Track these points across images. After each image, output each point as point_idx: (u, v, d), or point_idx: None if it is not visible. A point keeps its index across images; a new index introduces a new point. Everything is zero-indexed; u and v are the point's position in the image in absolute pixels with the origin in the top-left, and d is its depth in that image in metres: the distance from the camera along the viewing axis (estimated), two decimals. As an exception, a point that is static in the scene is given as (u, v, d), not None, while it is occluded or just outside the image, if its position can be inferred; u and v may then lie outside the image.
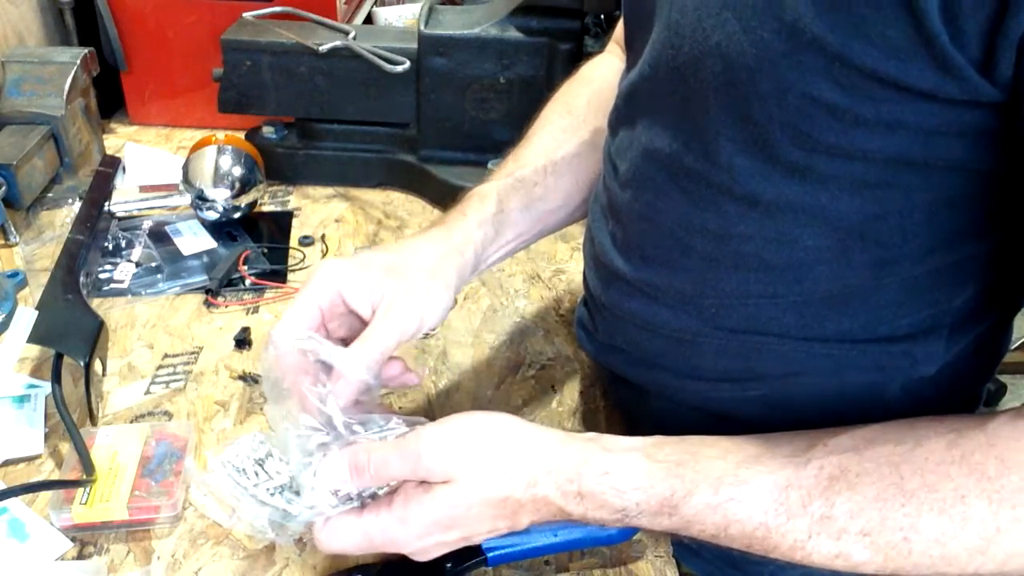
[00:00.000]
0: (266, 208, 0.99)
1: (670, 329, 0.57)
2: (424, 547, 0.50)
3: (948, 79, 0.40)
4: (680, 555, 0.70)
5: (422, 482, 0.50)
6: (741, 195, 0.49)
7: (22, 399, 0.69)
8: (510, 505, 0.49)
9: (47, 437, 0.66)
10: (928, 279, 0.50)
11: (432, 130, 1.00)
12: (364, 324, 0.55)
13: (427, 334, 0.80)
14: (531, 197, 0.66)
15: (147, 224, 0.93)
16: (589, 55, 0.94)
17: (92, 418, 0.67)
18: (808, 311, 0.52)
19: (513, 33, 0.94)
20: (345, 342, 0.55)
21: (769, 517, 0.46)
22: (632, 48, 0.59)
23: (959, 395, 0.58)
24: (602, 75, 0.72)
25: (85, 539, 0.59)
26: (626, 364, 0.63)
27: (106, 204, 0.93)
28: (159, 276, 0.85)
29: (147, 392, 0.72)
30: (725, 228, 0.51)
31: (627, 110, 0.58)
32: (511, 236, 0.65)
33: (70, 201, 0.95)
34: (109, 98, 1.15)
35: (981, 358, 0.57)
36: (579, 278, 0.89)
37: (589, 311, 0.67)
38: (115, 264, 0.87)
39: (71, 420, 0.62)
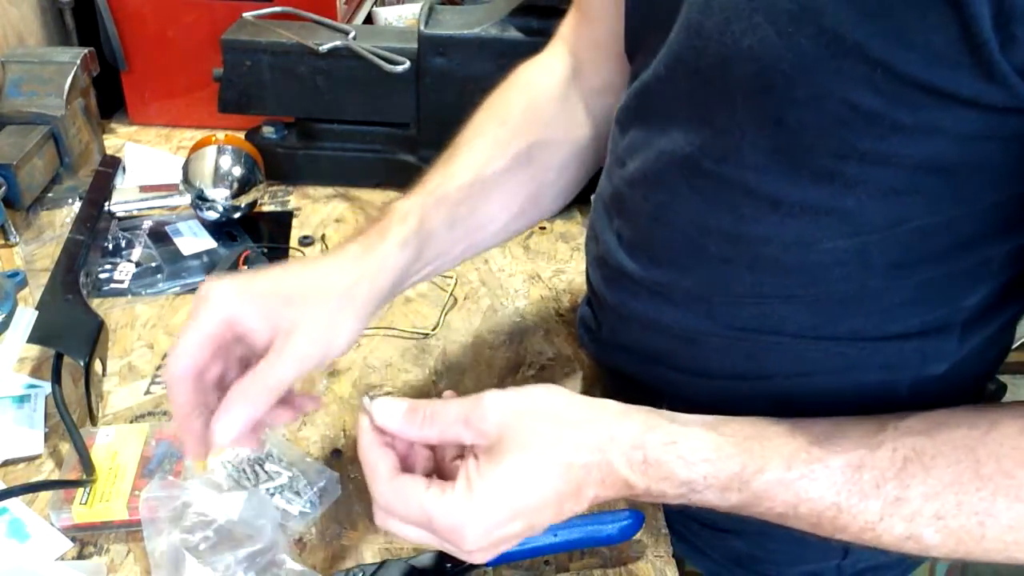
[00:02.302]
0: (266, 208, 0.99)
1: (678, 328, 0.56)
2: (486, 541, 0.46)
3: (992, 87, 0.39)
4: (686, 554, 0.70)
5: (479, 457, 0.46)
6: (762, 197, 0.49)
7: (22, 399, 0.69)
8: (578, 475, 0.46)
9: (47, 437, 0.66)
10: (944, 279, 0.50)
11: (432, 130, 0.99)
12: (258, 357, 0.49)
13: (427, 334, 0.80)
14: (455, 216, 0.60)
15: (147, 224, 0.93)
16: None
17: (92, 418, 0.67)
18: (821, 310, 0.51)
19: (513, 33, 0.94)
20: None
21: (842, 497, 0.45)
22: (640, 49, 0.58)
23: (965, 392, 0.58)
24: (541, 82, 0.68)
25: (85, 539, 0.59)
26: (631, 363, 0.63)
27: (106, 204, 0.93)
28: (159, 276, 0.85)
29: (147, 392, 0.72)
30: (741, 230, 0.51)
31: (639, 109, 0.57)
32: (432, 256, 0.59)
33: (70, 201, 0.95)
34: (109, 98, 1.15)
35: (989, 354, 0.57)
36: (579, 278, 0.89)
37: (592, 310, 0.67)
38: (115, 264, 0.87)
39: (71, 420, 0.63)
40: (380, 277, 0.54)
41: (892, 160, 0.44)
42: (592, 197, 0.67)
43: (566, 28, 0.70)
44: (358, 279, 0.52)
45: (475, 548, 0.45)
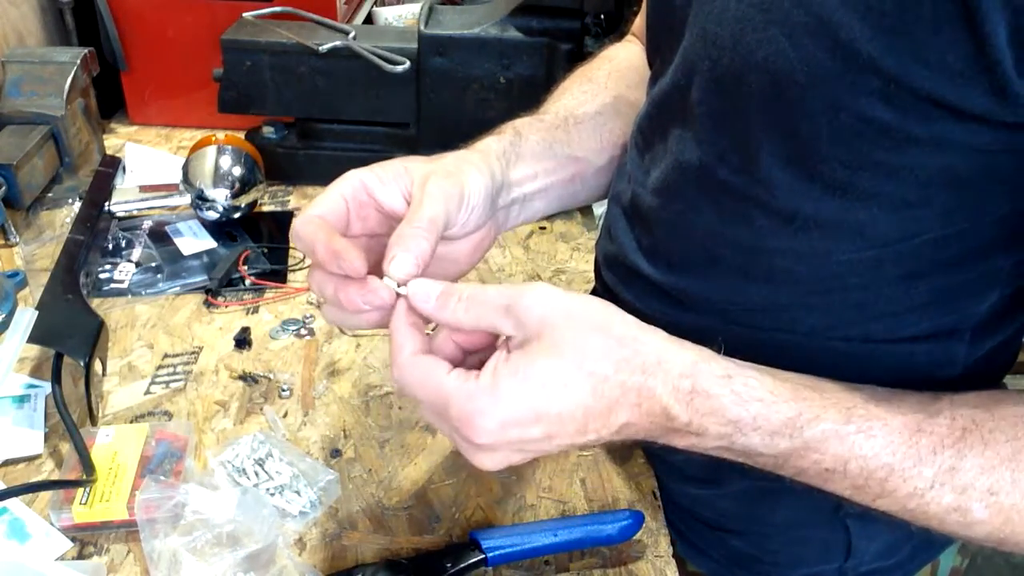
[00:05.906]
0: (266, 208, 0.99)
1: (692, 328, 0.56)
2: (500, 438, 0.43)
3: (1003, 104, 0.39)
4: (687, 554, 0.69)
5: (511, 352, 0.44)
6: (777, 210, 0.49)
7: (22, 399, 0.69)
8: (612, 393, 0.43)
9: (47, 437, 0.66)
10: (954, 287, 0.50)
11: (432, 130, 0.99)
12: (396, 221, 0.49)
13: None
14: (553, 137, 0.61)
15: (147, 224, 0.93)
16: (589, 55, 0.94)
17: (92, 418, 0.67)
18: (834, 314, 0.52)
19: (513, 33, 0.94)
20: (379, 241, 0.52)
21: (897, 458, 0.44)
22: (659, 53, 0.58)
23: None
24: (623, 55, 0.71)
25: (85, 539, 0.59)
26: None
27: (106, 204, 0.93)
28: (159, 276, 0.85)
29: (147, 392, 0.72)
30: (757, 242, 0.51)
31: (659, 119, 0.57)
32: (538, 168, 0.59)
33: (70, 201, 0.95)
34: (109, 98, 1.15)
35: (999, 361, 0.57)
36: (579, 278, 0.89)
37: None
38: (115, 264, 0.87)
39: (71, 420, 0.63)
40: (486, 156, 0.55)
41: (905, 172, 0.44)
42: (608, 202, 0.67)
43: (638, 24, 0.73)
44: (466, 155, 0.54)
45: (486, 442, 0.43)
